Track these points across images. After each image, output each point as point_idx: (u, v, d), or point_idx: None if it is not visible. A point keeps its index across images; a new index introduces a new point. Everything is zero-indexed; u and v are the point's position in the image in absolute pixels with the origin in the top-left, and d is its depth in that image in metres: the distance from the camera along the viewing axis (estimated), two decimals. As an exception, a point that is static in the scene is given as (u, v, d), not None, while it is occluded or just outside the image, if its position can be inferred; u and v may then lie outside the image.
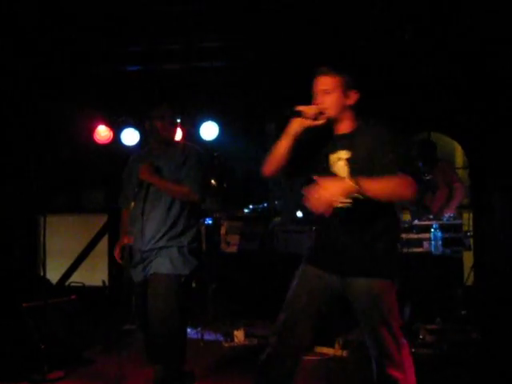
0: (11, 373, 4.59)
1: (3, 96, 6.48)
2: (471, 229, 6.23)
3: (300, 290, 3.15)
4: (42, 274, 5.37)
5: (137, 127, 6.90)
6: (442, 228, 5.33)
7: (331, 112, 3.06)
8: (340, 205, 2.89)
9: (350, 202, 2.94)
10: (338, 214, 2.96)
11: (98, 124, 6.90)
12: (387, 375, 2.99)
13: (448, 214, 5.63)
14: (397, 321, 3.01)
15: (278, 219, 5.96)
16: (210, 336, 5.79)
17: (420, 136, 7.09)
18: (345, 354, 5.15)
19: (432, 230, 5.28)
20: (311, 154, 3.16)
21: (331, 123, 3.10)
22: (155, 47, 6.36)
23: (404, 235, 5.40)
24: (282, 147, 3.07)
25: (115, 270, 7.54)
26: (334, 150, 3.10)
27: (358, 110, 3.15)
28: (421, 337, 5.10)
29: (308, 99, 3.10)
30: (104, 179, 7.95)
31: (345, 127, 3.12)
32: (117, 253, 4.22)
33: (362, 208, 2.95)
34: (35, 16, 5.58)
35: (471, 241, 5.81)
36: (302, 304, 3.10)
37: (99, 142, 6.96)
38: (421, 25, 5.66)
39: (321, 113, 3.02)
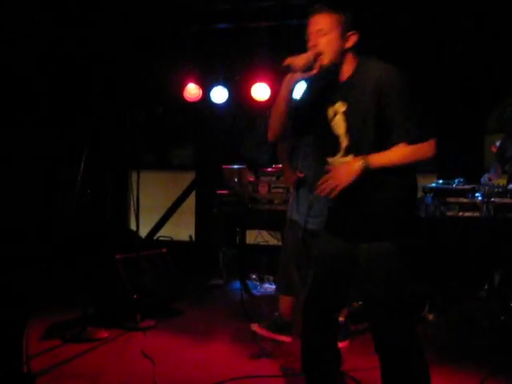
0: (106, 320, 4.81)
1: (98, 56, 6.63)
2: None
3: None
4: (133, 227, 5.57)
5: (226, 85, 6.94)
6: (539, 193, 5.11)
7: (327, 56, 2.67)
8: None
9: None
10: None
11: (188, 82, 6.98)
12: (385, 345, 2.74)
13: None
14: (395, 290, 2.71)
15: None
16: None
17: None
18: (431, 317, 5.10)
19: (527, 195, 5.08)
20: (315, 110, 2.83)
21: (332, 70, 2.72)
22: (244, 5, 6.32)
23: (498, 200, 5.23)
24: (280, 107, 2.78)
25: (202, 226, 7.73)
26: (332, 102, 2.76)
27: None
28: (511, 304, 4.97)
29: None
30: (193, 137, 8.07)
31: (344, 73, 2.73)
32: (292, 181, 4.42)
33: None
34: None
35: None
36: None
37: (189, 99, 7.05)
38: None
39: (314, 60, 2.66)
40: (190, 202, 8.17)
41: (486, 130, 7.27)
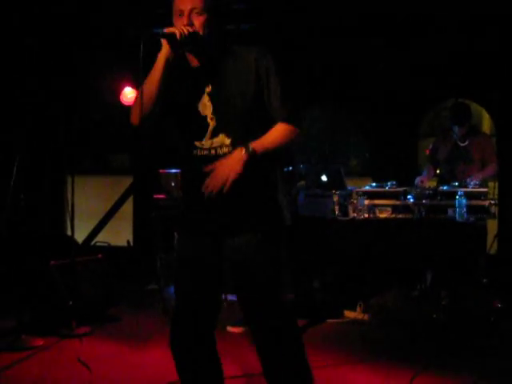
0: (41, 327, 4.73)
1: (31, 58, 6.51)
2: (496, 197, 6.17)
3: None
4: (69, 233, 5.48)
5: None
6: (467, 195, 5.29)
7: (202, 36, 2.57)
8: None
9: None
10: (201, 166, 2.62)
11: (125, 85, 6.93)
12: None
13: (473, 182, 5.59)
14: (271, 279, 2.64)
15: (302, 183, 5.96)
16: (232, 297, 5.88)
17: (448, 102, 7.02)
18: (366, 317, 5.22)
19: (457, 196, 5.25)
20: (176, 91, 2.70)
21: (197, 50, 2.64)
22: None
23: (428, 202, 5.39)
24: (154, 81, 2.61)
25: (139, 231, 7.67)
26: (200, 84, 2.66)
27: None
28: (443, 303, 5.12)
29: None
30: (130, 141, 8.01)
31: (213, 56, 2.65)
32: None
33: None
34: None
35: (496, 209, 5.77)
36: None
37: (125, 103, 7.00)
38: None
39: (192, 36, 2.54)
40: (128, 206, 8.10)
41: (419, 134, 7.49)
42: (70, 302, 4.77)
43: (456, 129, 5.98)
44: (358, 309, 5.27)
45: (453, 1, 5.75)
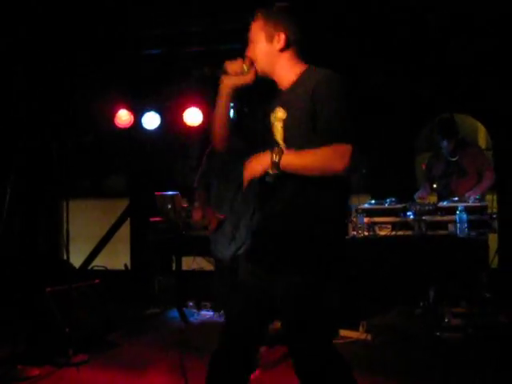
0: (36, 356, 4.62)
1: (26, 81, 6.48)
2: (496, 211, 6.13)
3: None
4: (65, 258, 5.40)
5: (157, 111, 6.89)
6: (468, 210, 5.24)
7: (258, 64, 2.60)
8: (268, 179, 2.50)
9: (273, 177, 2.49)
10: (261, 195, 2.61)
11: (119, 108, 6.89)
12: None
13: (473, 197, 5.55)
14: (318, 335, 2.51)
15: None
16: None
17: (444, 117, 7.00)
18: (369, 337, 5.13)
19: (457, 212, 5.20)
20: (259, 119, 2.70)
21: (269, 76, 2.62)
22: (174, 30, 6.31)
23: (429, 217, 5.34)
24: (220, 114, 2.66)
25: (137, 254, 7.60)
26: (273, 109, 2.61)
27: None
28: (446, 320, 5.05)
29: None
30: (125, 163, 7.96)
31: (285, 79, 2.61)
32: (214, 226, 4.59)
33: (282, 185, 2.50)
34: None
35: (495, 223, 5.72)
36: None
37: (120, 126, 6.96)
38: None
39: (249, 66, 2.58)
40: (125, 229, 8.02)
41: (416, 149, 7.45)
42: (67, 330, 4.66)
43: (445, 144, 5.99)
44: (361, 328, 5.17)
45: (451, 15, 5.73)
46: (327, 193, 2.48)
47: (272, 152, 2.43)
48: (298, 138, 2.51)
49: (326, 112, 2.43)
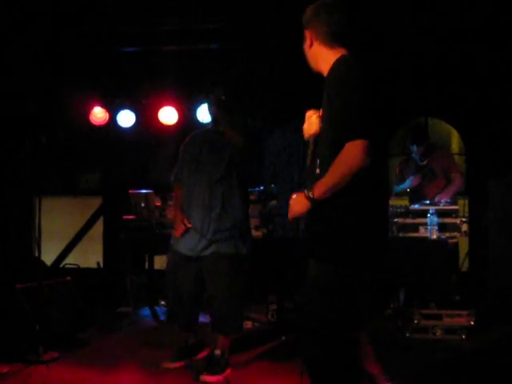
0: (6, 353, 4.57)
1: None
2: (467, 215, 6.23)
3: None
4: (36, 255, 5.34)
5: (133, 109, 6.87)
6: (439, 213, 5.32)
7: (310, 65, 2.83)
8: None
9: None
10: None
11: (94, 105, 6.86)
12: None
13: (444, 200, 5.63)
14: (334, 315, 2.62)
15: (274, 203, 5.93)
16: (203, 318, 5.79)
17: (418, 121, 7.08)
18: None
19: (428, 215, 5.27)
20: None
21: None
22: (151, 28, 6.29)
23: (400, 220, 5.40)
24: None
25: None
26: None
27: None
28: (415, 321, 5.10)
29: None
30: (100, 161, 7.91)
31: (324, 72, 2.75)
32: (180, 231, 4.32)
33: None
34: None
35: (466, 227, 5.80)
36: None
37: (95, 123, 6.93)
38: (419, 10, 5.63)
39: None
40: (98, 227, 7.99)
41: (390, 153, 7.51)
42: (37, 327, 4.63)
43: (414, 148, 6.09)
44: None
45: (427, 20, 5.80)
46: (345, 196, 2.55)
47: (305, 191, 2.56)
48: (322, 133, 2.69)
49: (335, 106, 2.55)
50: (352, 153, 2.45)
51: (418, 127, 6.39)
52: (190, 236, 4.29)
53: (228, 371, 4.23)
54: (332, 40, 2.72)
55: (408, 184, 6.07)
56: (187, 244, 4.30)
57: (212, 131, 4.42)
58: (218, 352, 4.25)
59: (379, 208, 2.74)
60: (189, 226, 4.28)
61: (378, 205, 2.70)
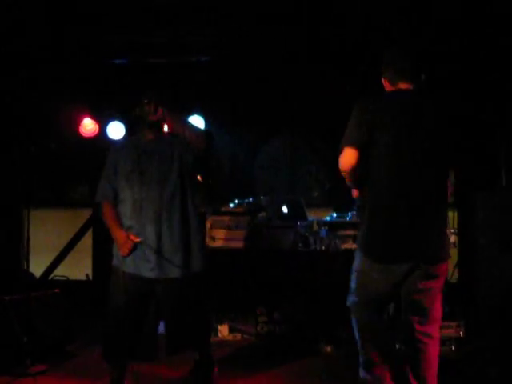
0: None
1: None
2: (456, 227, 6.25)
3: None
4: (25, 267, 5.34)
5: (122, 120, 6.86)
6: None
7: None
8: None
9: None
10: None
11: (84, 117, 6.86)
12: None
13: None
14: None
15: (263, 215, 5.94)
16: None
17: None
18: (329, 349, 5.17)
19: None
20: None
21: None
22: (141, 40, 6.30)
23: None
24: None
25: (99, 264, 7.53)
26: None
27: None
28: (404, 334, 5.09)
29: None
30: (89, 173, 7.88)
31: None
32: (128, 249, 3.81)
33: None
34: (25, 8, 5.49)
35: (455, 238, 5.82)
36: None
37: (85, 135, 6.92)
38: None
39: None
40: (88, 239, 7.95)
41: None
42: (25, 339, 4.60)
43: None
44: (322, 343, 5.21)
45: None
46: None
47: None
48: None
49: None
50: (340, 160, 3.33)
51: None
52: (141, 253, 3.81)
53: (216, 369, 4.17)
54: (390, 82, 3.49)
55: None
56: (139, 262, 3.81)
57: (152, 138, 3.96)
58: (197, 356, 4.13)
59: None
60: (137, 240, 3.78)
61: None
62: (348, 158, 3.17)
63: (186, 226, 3.89)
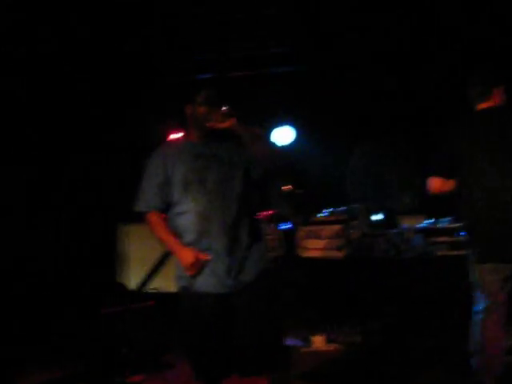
0: (94, 376, 4.68)
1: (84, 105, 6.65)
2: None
3: None
4: (121, 280, 5.47)
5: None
6: None
7: None
8: None
9: None
10: None
11: (172, 133, 6.98)
12: None
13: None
14: None
15: (355, 223, 5.85)
16: (288, 341, 5.75)
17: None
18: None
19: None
20: None
21: None
22: (224, 54, 6.39)
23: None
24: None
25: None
26: None
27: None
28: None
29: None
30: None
31: None
32: (197, 270, 3.33)
33: None
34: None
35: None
36: None
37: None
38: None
39: None
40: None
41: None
42: (124, 350, 4.72)
43: None
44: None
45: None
46: None
47: None
48: None
49: None
50: None
51: None
52: (210, 270, 3.35)
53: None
54: None
55: None
56: (210, 280, 3.35)
57: (207, 141, 3.50)
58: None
59: None
60: (207, 258, 3.32)
61: None
62: (435, 184, 3.65)
63: (253, 236, 3.48)
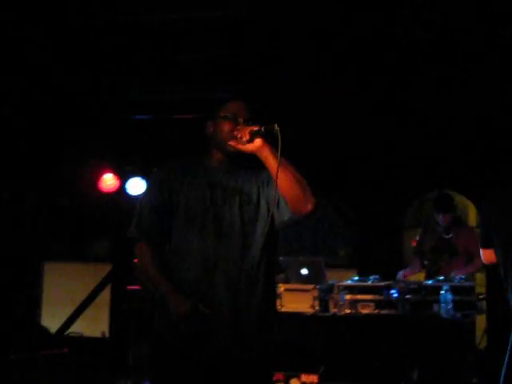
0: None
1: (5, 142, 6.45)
2: (484, 291, 6.03)
3: None
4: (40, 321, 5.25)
5: (143, 176, 6.82)
6: (453, 290, 5.09)
7: None
8: None
9: None
10: None
11: (104, 172, 6.84)
12: None
13: (459, 276, 5.43)
14: None
15: (282, 276, 5.77)
16: None
17: (433, 194, 6.97)
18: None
19: (442, 291, 5.05)
20: None
21: None
22: (163, 96, 6.31)
23: (413, 297, 5.20)
24: None
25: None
26: None
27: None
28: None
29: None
30: (109, 228, 7.83)
31: None
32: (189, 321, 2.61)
33: None
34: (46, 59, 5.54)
35: (484, 304, 5.60)
36: None
37: (105, 190, 6.88)
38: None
39: None
40: (106, 295, 7.84)
41: (404, 225, 7.38)
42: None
43: (440, 218, 5.92)
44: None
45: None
46: None
47: None
48: None
49: None
50: None
51: (443, 196, 6.21)
52: (207, 327, 2.64)
53: None
54: None
55: (399, 274, 5.89)
56: (203, 338, 2.64)
57: (228, 169, 2.81)
58: None
59: None
60: (206, 311, 2.62)
61: None
62: (487, 257, 3.84)
63: (267, 302, 2.77)
